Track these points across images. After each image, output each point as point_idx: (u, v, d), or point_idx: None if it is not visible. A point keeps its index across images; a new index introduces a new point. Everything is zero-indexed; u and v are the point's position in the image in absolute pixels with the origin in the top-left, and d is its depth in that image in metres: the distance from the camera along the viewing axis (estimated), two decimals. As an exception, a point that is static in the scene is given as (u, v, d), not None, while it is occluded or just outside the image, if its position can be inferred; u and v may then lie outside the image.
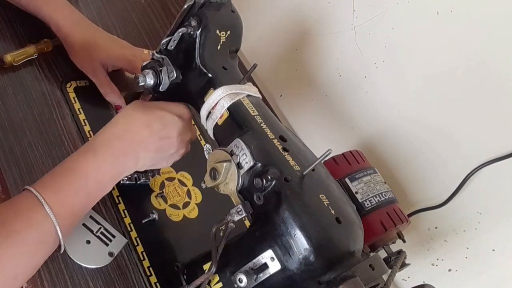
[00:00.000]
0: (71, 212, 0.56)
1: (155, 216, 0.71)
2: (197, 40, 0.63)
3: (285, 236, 0.52)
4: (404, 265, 0.70)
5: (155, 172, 0.75)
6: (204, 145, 0.87)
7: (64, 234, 0.54)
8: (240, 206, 0.56)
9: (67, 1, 0.77)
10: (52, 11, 0.74)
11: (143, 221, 0.70)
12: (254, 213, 0.56)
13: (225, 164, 0.57)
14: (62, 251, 0.56)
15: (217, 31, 0.64)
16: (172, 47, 0.65)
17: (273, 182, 0.54)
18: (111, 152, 0.59)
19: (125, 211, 0.70)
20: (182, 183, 0.79)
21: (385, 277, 0.57)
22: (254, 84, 0.96)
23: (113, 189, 0.64)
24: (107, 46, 0.76)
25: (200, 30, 0.63)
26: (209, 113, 0.63)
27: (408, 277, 0.93)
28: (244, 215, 0.56)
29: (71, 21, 0.75)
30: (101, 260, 0.64)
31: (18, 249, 0.50)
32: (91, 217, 0.66)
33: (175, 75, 0.66)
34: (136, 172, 0.71)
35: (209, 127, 0.64)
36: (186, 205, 0.77)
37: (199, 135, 0.88)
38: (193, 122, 0.88)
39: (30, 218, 0.52)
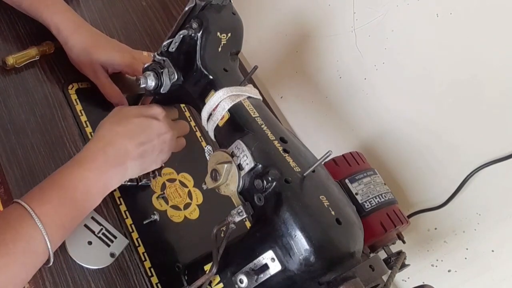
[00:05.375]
0: (60, 223, 0.56)
1: (156, 217, 0.71)
2: (198, 42, 0.64)
3: (286, 237, 0.52)
4: (404, 265, 0.71)
5: (156, 173, 0.75)
6: (205, 146, 0.87)
7: (53, 245, 0.54)
8: (241, 207, 0.56)
9: (68, 5, 0.78)
10: (53, 14, 0.75)
11: (144, 222, 0.71)
12: (254, 214, 0.57)
13: (226, 165, 0.57)
14: (51, 263, 0.56)
15: (218, 33, 0.65)
16: (173, 49, 0.65)
17: (274, 183, 0.54)
18: (96, 166, 0.60)
19: (127, 212, 0.70)
20: (183, 184, 0.80)
21: (385, 277, 0.57)
22: (255, 86, 0.96)
23: (115, 190, 0.65)
24: (106, 48, 0.76)
25: (201, 32, 0.63)
26: (210, 114, 0.63)
27: (408, 278, 0.93)
28: (244, 216, 0.56)
29: (71, 24, 0.76)
30: (103, 261, 0.64)
31: (7, 259, 0.50)
32: (92, 218, 0.66)
33: (176, 77, 0.67)
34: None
35: (210, 128, 0.64)
36: (187, 206, 0.77)
37: (200, 136, 0.89)
38: (193, 123, 0.89)
39: (19, 229, 0.52)
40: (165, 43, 0.65)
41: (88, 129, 0.75)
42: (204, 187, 0.61)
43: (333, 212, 0.53)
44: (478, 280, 0.83)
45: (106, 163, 0.61)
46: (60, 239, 0.57)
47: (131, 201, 0.71)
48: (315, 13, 1.01)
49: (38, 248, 0.53)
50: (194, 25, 0.63)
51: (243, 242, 0.59)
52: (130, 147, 0.63)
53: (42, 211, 0.54)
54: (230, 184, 0.58)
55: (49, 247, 0.54)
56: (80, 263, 0.62)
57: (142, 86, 0.68)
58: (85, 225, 0.65)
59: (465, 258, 0.85)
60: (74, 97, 0.77)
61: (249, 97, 0.63)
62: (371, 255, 0.71)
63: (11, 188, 0.63)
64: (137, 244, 0.68)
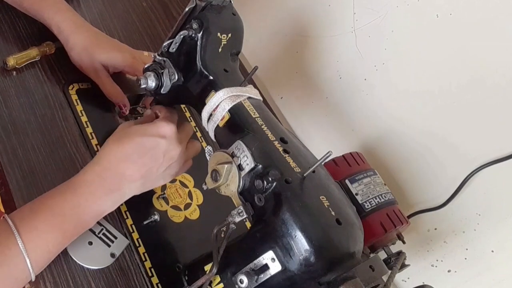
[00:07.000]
0: (46, 249, 0.55)
1: (157, 217, 0.71)
2: (199, 43, 0.64)
3: (286, 237, 0.52)
4: (403, 266, 0.71)
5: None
6: (206, 147, 0.87)
7: (37, 269, 0.54)
8: (241, 208, 0.56)
9: (68, 5, 0.78)
10: (54, 14, 0.75)
11: (145, 223, 0.71)
12: (255, 215, 0.57)
13: (226, 165, 0.57)
14: (33, 280, 0.56)
15: (218, 34, 0.65)
16: (174, 49, 0.65)
17: (274, 184, 0.54)
18: (91, 192, 0.59)
19: (127, 212, 0.70)
20: (184, 185, 0.80)
21: (385, 278, 0.57)
22: (255, 86, 0.96)
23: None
24: (107, 48, 0.77)
25: (201, 32, 0.63)
26: (210, 115, 0.63)
27: (408, 278, 0.93)
28: (245, 216, 0.56)
29: (72, 24, 0.76)
30: (103, 261, 0.64)
31: None
32: (93, 218, 0.66)
33: (176, 77, 0.67)
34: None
35: (210, 129, 0.64)
36: (187, 206, 0.78)
37: (200, 137, 0.89)
38: (193, 124, 0.89)
39: (3, 253, 0.52)
40: (165, 43, 0.66)
41: (89, 130, 0.75)
42: (205, 187, 0.61)
43: (333, 213, 0.53)
44: (478, 280, 0.84)
45: (101, 189, 0.59)
46: (45, 263, 0.57)
47: (132, 201, 0.71)
48: (315, 14, 1.01)
49: (21, 274, 0.54)
50: (195, 25, 0.63)
51: (243, 242, 0.59)
52: (130, 171, 0.61)
53: (29, 237, 0.53)
54: (230, 184, 0.58)
55: (32, 273, 0.54)
56: (81, 263, 0.63)
57: (143, 86, 0.68)
58: (86, 226, 0.65)
59: (465, 258, 0.85)
60: (74, 97, 0.77)
61: (249, 98, 0.64)
62: (371, 255, 0.71)
63: (11, 189, 0.63)
64: (137, 244, 0.68)
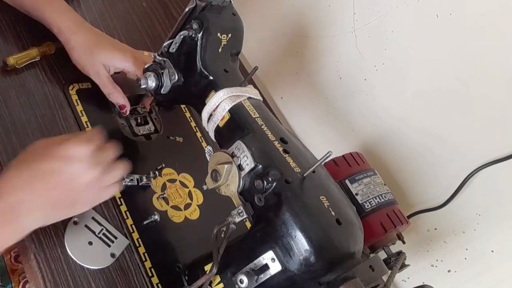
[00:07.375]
0: None
1: (157, 217, 0.71)
2: (199, 43, 0.64)
3: (286, 237, 0.52)
4: (403, 266, 0.71)
5: (156, 173, 0.75)
6: (206, 147, 0.87)
7: None
8: (241, 208, 0.57)
9: (68, 5, 0.78)
10: (54, 14, 0.75)
11: (145, 223, 0.71)
12: (255, 215, 0.57)
13: (226, 166, 0.57)
14: None
15: (219, 34, 0.65)
16: (174, 50, 0.65)
17: (274, 184, 0.54)
18: None
19: (127, 212, 0.70)
20: (184, 185, 0.80)
21: (385, 278, 0.57)
22: (255, 86, 0.96)
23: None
24: (108, 48, 0.77)
25: (201, 33, 0.63)
26: (211, 115, 0.63)
27: (408, 278, 0.93)
28: (245, 216, 0.56)
29: (72, 24, 0.76)
30: (103, 261, 0.65)
31: None
32: (93, 218, 0.66)
33: (176, 78, 0.67)
34: (138, 173, 0.72)
35: (210, 129, 0.64)
36: (187, 206, 0.78)
37: (200, 137, 0.89)
38: (194, 124, 0.89)
39: None
40: (165, 43, 0.66)
41: (89, 130, 0.75)
42: (205, 187, 0.61)
43: (333, 213, 0.53)
44: (478, 280, 0.84)
45: None
46: None
47: (132, 201, 0.72)
48: (315, 14, 1.01)
49: None
50: (195, 26, 0.63)
51: (244, 242, 0.59)
52: (28, 200, 0.53)
53: None
54: (231, 184, 0.58)
55: None
56: (81, 263, 0.63)
57: (143, 86, 0.68)
58: (86, 226, 0.65)
59: (465, 259, 0.85)
60: (74, 97, 0.77)
61: (249, 98, 0.64)
62: (371, 255, 0.71)
63: (12, 189, 0.63)
64: (137, 245, 0.68)
